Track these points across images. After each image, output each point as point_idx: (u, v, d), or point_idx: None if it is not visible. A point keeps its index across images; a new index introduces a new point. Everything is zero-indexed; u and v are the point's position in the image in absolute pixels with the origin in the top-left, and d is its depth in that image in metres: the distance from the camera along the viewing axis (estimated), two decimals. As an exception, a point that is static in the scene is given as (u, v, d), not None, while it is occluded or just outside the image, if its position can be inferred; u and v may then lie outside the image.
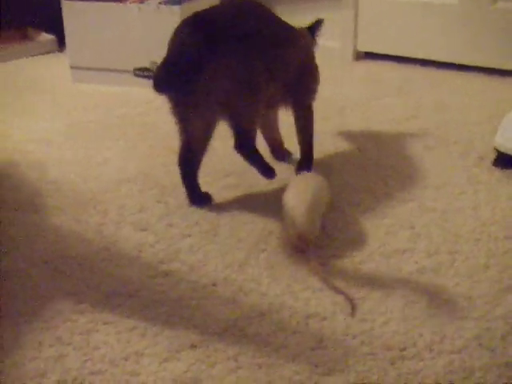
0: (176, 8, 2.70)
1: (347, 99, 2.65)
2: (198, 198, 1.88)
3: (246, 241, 1.69)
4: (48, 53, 3.35)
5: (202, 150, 1.86)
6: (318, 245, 1.65)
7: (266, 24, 1.88)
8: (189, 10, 2.75)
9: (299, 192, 1.71)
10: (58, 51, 3.35)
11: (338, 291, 1.48)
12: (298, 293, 1.49)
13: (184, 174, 1.87)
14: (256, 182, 1.97)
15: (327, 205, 1.77)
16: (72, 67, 2.90)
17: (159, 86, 1.72)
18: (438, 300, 1.45)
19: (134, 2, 2.87)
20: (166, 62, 1.75)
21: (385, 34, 3.07)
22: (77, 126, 2.44)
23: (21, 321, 1.41)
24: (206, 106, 1.77)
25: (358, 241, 1.68)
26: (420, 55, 3.01)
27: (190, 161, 1.86)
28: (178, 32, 1.80)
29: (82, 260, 1.62)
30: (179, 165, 1.86)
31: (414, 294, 1.47)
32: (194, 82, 1.72)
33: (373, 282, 1.52)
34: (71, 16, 2.84)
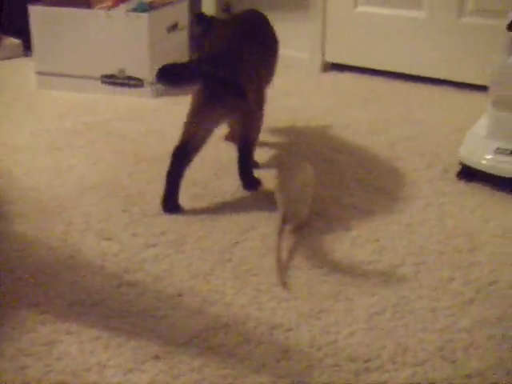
0: (144, 15, 2.69)
1: (315, 110, 2.66)
2: (172, 205, 1.87)
3: (211, 251, 1.68)
4: (14, 58, 3.30)
5: (197, 151, 1.88)
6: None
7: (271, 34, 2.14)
8: (157, 17, 2.75)
9: (289, 178, 1.80)
10: (24, 56, 3.31)
11: (278, 270, 1.57)
12: (263, 303, 1.48)
13: (172, 171, 1.86)
14: (221, 191, 1.97)
15: (313, 188, 1.85)
16: (38, 73, 2.87)
17: (163, 75, 1.78)
18: (401, 312, 1.46)
19: (102, 8, 2.86)
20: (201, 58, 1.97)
21: (352, 45, 3.09)
22: (42, 133, 2.41)
23: (-18, 331, 1.39)
24: (225, 112, 1.89)
25: (323, 252, 1.68)
26: (388, 67, 3.03)
27: (183, 158, 1.86)
28: (227, 38, 1.97)
29: (46, 268, 1.60)
30: (172, 160, 1.86)
31: (379, 306, 1.48)
32: (229, 89, 1.84)
33: (338, 293, 1.52)
34: (38, 21, 2.81)
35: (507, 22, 1.95)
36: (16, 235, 1.75)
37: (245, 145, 1.98)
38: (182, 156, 1.86)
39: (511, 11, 1.98)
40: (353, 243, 1.72)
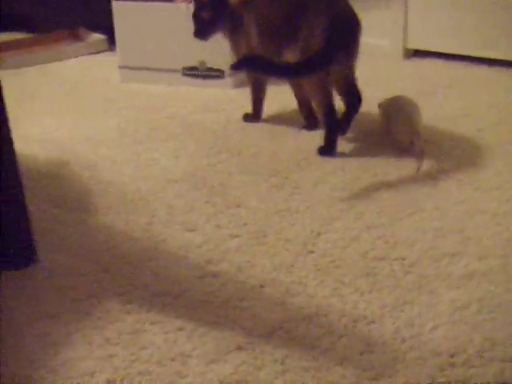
0: (225, 7, 2.70)
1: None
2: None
3: (293, 242, 1.68)
4: (99, 52, 3.38)
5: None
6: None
7: None
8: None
9: (410, 105, 2.14)
10: (110, 51, 3.38)
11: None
12: (345, 296, 1.48)
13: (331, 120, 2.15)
14: (302, 182, 1.96)
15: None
16: (121, 67, 2.93)
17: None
18: (488, 306, 1.42)
19: (182, 1, 2.89)
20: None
21: (435, 31, 3.02)
22: (126, 126, 2.46)
23: (71, 319, 1.43)
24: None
25: (406, 244, 1.66)
26: (471, 53, 2.95)
27: (334, 112, 2.14)
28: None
29: (131, 259, 1.64)
30: (329, 117, 2.14)
31: (464, 299, 1.44)
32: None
33: (422, 285, 1.50)
34: (121, 16, 2.87)
35: None
36: (102, 227, 1.80)
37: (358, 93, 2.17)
38: (333, 111, 2.13)
39: None
40: (436, 234, 1.69)
